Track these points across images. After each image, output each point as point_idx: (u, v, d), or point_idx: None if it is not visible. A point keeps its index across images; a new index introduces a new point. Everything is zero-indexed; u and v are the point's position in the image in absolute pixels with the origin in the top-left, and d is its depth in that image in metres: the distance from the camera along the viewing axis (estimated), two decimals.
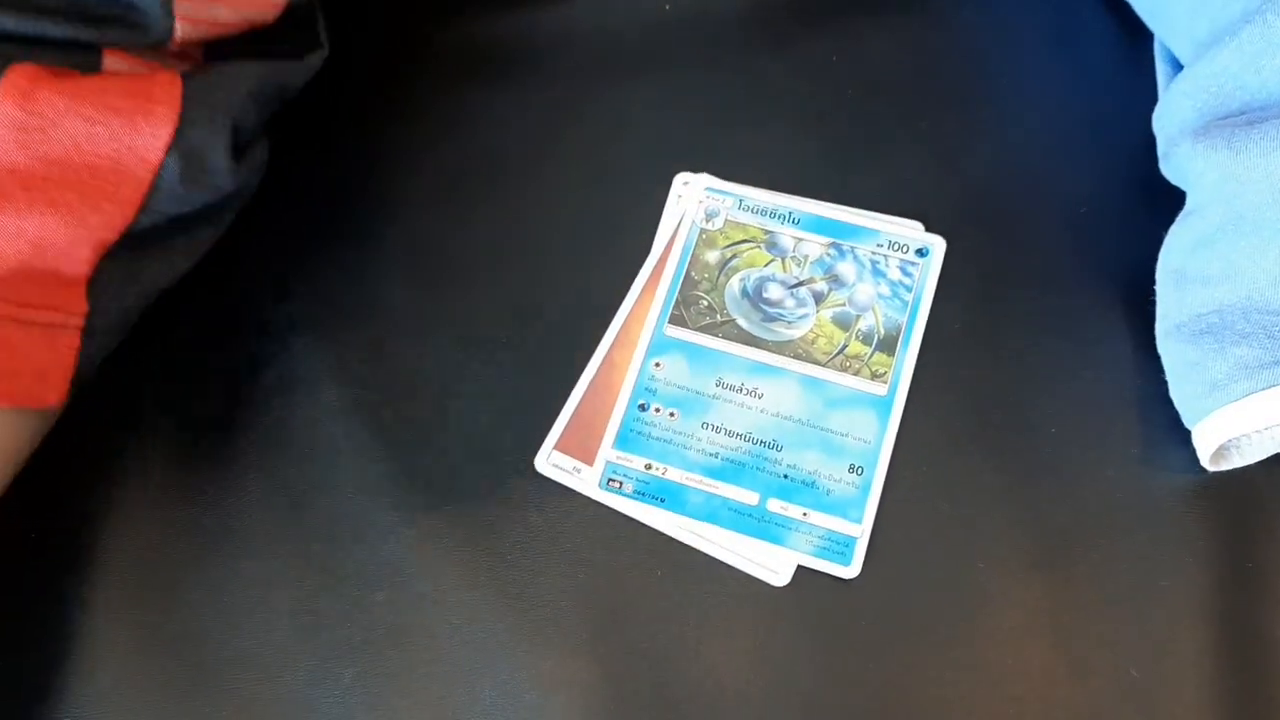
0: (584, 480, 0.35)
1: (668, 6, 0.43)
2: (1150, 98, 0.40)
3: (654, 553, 0.34)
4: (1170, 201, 0.37)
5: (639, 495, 0.35)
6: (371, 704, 0.32)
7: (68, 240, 0.31)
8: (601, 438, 0.35)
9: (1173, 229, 0.37)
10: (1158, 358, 0.37)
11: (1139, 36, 0.42)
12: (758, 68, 0.42)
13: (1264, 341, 0.33)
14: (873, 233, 0.39)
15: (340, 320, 0.37)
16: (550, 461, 0.35)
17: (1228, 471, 0.36)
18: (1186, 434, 0.36)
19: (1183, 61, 0.39)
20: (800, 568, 0.34)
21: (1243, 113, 0.35)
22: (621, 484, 0.35)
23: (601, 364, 0.36)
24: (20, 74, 0.30)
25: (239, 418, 0.36)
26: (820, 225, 0.39)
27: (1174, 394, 0.36)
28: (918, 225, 0.39)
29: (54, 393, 0.32)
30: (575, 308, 0.37)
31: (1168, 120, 0.37)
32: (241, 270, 0.37)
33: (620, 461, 0.35)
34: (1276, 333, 0.33)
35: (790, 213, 0.39)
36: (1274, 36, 0.33)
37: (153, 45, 0.34)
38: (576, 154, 0.40)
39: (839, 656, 0.34)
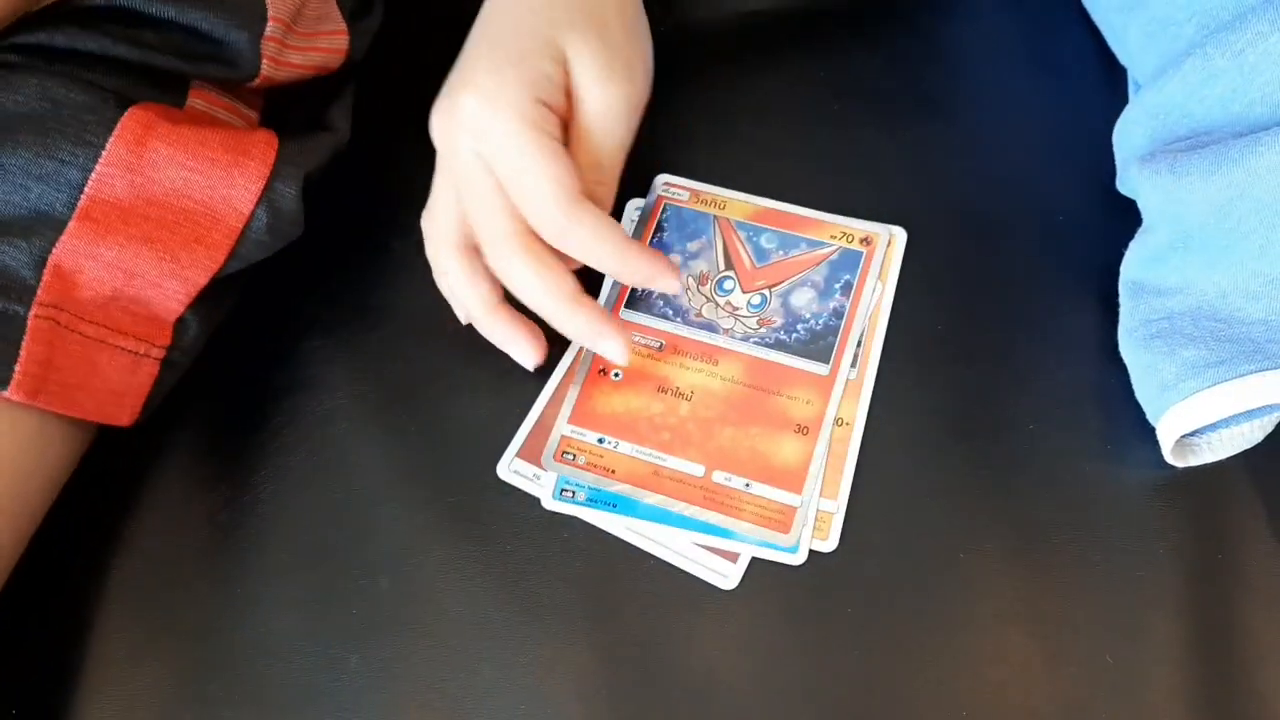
0: (540, 485, 0.38)
1: (662, 28, 0.45)
2: None
3: (637, 542, 0.37)
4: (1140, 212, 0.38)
5: (591, 502, 0.37)
6: (377, 686, 0.35)
7: (158, 274, 0.35)
8: (558, 413, 0.38)
9: (1131, 244, 0.39)
10: None
11: (1115, 56, 0.42)
12: (748, 82, 0.44)
13: (1210, 344, 0.35)
14: (813, 240, 0.40)
15: (351, 324, 0.41)
16: (512, 469, 0.38)
17: (1198, 466, 0.37)
18: (1154, 431, 0.37)
19: (1140, 86, 0.40)
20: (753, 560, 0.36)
21: (1187, 138, 0.36)
22: (574, 494, 0.37)
23: (566, 369, 0.39)
24: (137, 119, 0.34)
25: (251, 416, 0.40)
26: (762, 230, 0.41)
27: (1137, 394, 0.37)
28: (869, 227, 0.40)
29: (127, 414, 0.36)
30: None
31: (1122, 143, 0.40)
32: (258, 276, 0.40)
33: (574, 436, 0.38)
34: (1221, 336, 0.35)
35: (738, 220, 0.41)
36: (1213, 68, 0.35)
37: (238, 83, 0.38)
38: None
39: (816, 641, 0.35)
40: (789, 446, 0.37)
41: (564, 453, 0.37)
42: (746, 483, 0.36)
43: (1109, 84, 0.44)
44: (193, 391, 0.39)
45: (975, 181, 0.42)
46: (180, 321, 0.36)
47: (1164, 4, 0.38)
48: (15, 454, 0.34)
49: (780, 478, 0.37)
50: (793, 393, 0.38)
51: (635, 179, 0.41)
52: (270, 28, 0.37)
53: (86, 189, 0.34)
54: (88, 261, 0.34)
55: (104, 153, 0.34)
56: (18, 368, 0.32)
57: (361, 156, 0.42)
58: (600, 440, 0.37)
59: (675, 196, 0.41)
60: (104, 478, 0.39)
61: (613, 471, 0.37)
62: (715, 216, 0.41)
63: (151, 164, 0.34)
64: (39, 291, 0.33)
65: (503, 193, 0.35)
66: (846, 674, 0.35)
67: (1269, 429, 0.36)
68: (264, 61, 0.37)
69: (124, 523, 0.38)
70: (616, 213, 0.41)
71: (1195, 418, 0.35)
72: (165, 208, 0.35)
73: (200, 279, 0.36)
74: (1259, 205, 0.34)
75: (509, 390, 0.39)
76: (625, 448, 0.37)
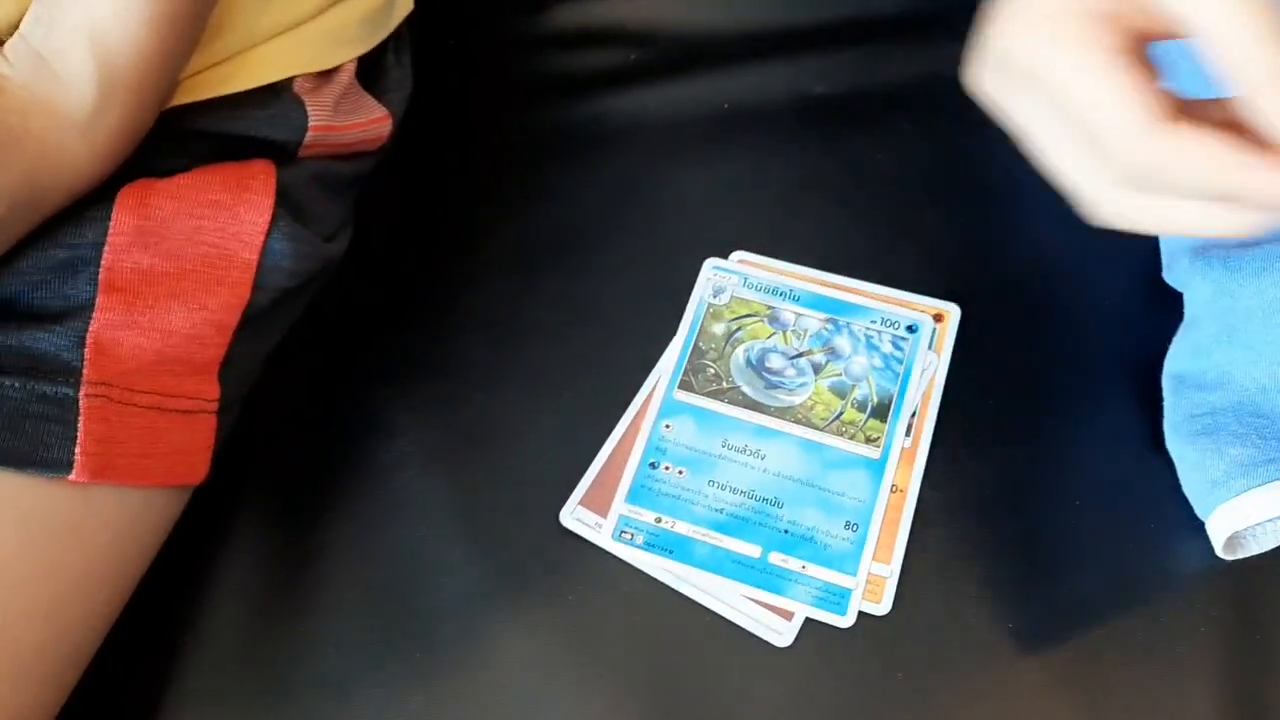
0: (600, 533, 0.38)
1: (726, 105, 0.48)
2: None
3: (694, 595, 0.37)
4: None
5: (649, 547, 0.38)
6: None
7: (190, 324, 0.35)
8: (615, 492, 0.39)
9: (1175, 338, 0.40)
10: None
11: None
12: (807, 160, 0.46)
13: (1256, 442, 0.36)
14: (867, 310, 0.42)
15: (419, 373, 0.42)
16: (575, 516, 0.39)
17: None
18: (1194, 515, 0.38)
19: None
20: (806, 620, 0.37)
21: None
22: (633, 536, 0.38)
23: (629, 426, 0.40)
24: (129, 193, 0.35)
25: (321, 460, 0.40)
26: (818, 302, 0.42)
27: (1185, 488, 0.38)
28: (923, 303, 0.42)
29: (198, 471, 0.36)
30: (620, 369, 0.41)
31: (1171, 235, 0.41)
32: (331, 329, 0.41)
33: (632, 515, 0.39)
34: (1267, 434, 0.36)
35: (791, 290, 0.42)
36: None
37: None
38: (634, 230, 0.44)
39: (868, 703, 0.36)
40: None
41: (622, 534, 0.38)
42: (803, 564, 0.37)
43: None
44: (264, 435, 0.40)
45: (1027, 265, 0.43)
46: (224, 368, 0.36)
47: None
48: (103, 537, 0.34)
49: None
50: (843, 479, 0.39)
51: (695, 246, 0.43)
52: (310, 136, 0.39)
53: (103, 262, 0.34)
54: (124, 331, 0.34)
55: (110, 224, 0.34)
56: (78, 450, 0.32)
57: (437, 218, 0.44)
58: (658, 520, 0.38)
59: (743, 271, 0.43)
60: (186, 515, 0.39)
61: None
62: (776, 291, 0.42)
63: (159, 221, 0.35)
64: (85, 370, 0.33)
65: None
66: None
67: None
68: (310, 133, 0.39)
69: (202, 556, 0.39)
70: (694, 269, 0.43)
71: (1246, 517, 0.36)
72: (183, 259, 0.35)
73: (231, 320, 0.36)
74: None
75: (573, 438, 0.40)
76: (682, 526, 0.38)
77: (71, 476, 0.32)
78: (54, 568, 0.33)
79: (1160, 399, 0.40)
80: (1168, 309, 0.41)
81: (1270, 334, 0.36)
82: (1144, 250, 0.43)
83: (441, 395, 0.41)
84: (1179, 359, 0.40)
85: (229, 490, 0.39)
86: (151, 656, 0.37)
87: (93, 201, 0.34)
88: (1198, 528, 0.38)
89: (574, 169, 0.46)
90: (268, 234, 0.36)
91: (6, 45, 0.33)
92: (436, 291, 0.43)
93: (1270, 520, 0.37)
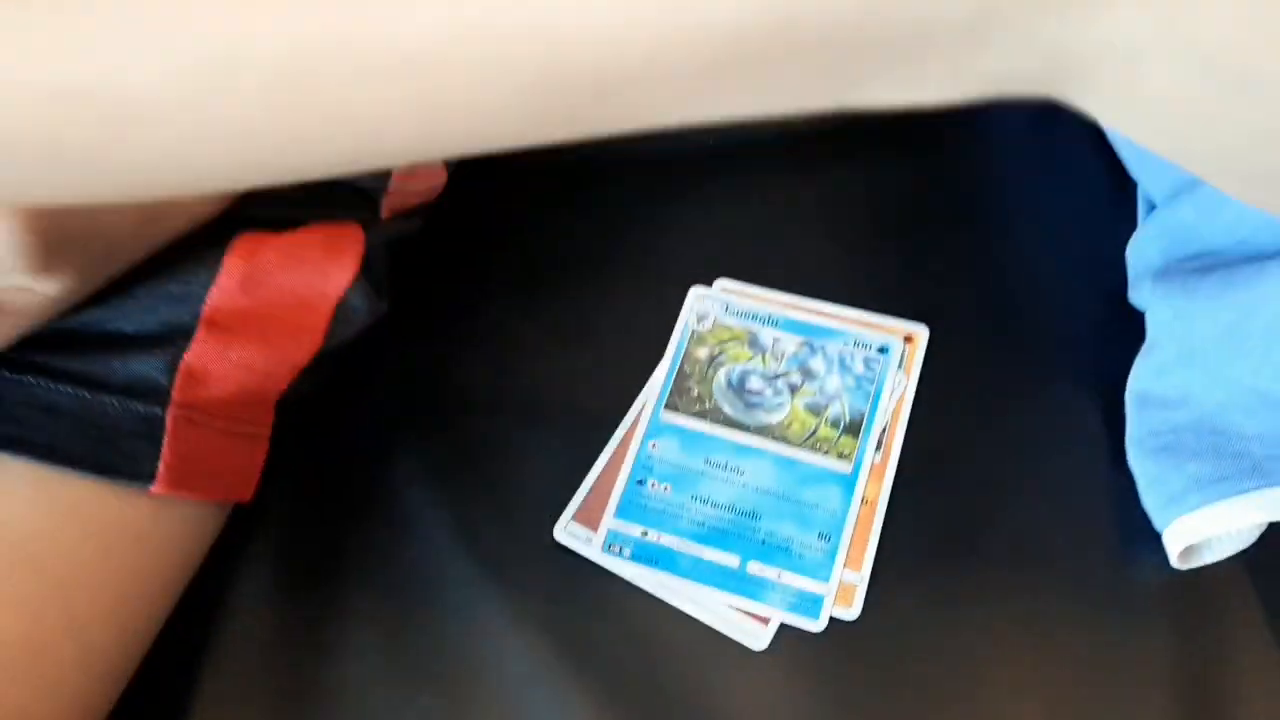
0: (591, 547, 0.41)
1: (711, 141, 0.50)
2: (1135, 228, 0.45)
3: (678, 603, 0.40)
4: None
5: (636, 558, 0.41)
6: None
7: (270, 363, 0.39)
8: (605, 508, 0.42)
9: (1139, 357, 0.42)
10: None
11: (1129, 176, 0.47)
12: (787, 192, 0.49)
13: (1213, 460, 0.38)
14: (841, 333, 0.44)
15: (423, 396, 0.45)
16: (568, 531, 0.42)
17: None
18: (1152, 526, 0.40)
19: (1156, 203, 0.44)
20: (781, 625, 0.39)
21: (1197, 257, 0.40)
22: (621, 549, 0.41)
23: (618, 445, 0.43)
24: (243, 243, 0.39)
25: (335, 478, 0.44)
26: (796, 326, 0.45)
27: (1144, 501, 0.41)
28: (895, 325, 0.45)
29: (249, 489, 0.40)
30: (610, 392, 0.44)
31: (1136, 258, 0.43)
32: (339, 353, 0.44)
33: (620, 529, 0.42)
34: (1223, 451, 0.38)
35: (770, 315, 0.45)
36: (1224, 195, 0.38)
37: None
38: (625, 260, 0.47)
39: (839, 703, 0.38)
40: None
41: (611, 547, 0.41)
42: (778, 573, 0.40)
43: (1125, 201, 0.48)
44: (282, 455, 0.43)
45: (994, 287, 0.46)
46: (281, 399, 0.41)
47: None
48: (168, 546, 0.38)
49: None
50: (817, 492, 0.41)
51: (681, 273, 0.46)
52: (393, 184, 0.43)
53: (208, 300, 0.38)
54: (214, 364, 0.38)
55: (220, 269, 0.38)
56: (161, 464, 0.36)
57: (431, 242, 0.47)
58: (644, 533, 0.41)
59: (725, 297, 0.46)
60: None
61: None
62: (757, 316, 0.45)
63: (264, 271, 0.39)
64: (173, 393, 0.37)
65: None
66: None
67: (1262, 529, 0.39)
68: (386, 200, 0.43)
69: (222, 572, 0.42)
70: (681, 296, 0.46)
71: (1200, 530, 0.38)
72: (276, 305, 0.39)
73: (303, 361, 0.40)
74: (1260, 328, 0.37)
75: (566, 457, 0.43)
76: (667, 538, 0.41)
77: (152, 489, 0.36)
78: (125, 573, 0.37)
79: (1122, 415, 0.42)
80: (1133, 328, 0.43)
81: (1226, 356, 0.38)
82: (1110, 271, 0.45)
83: (444, 417, 0.44)
84: (1142, 378, 0.42)
85: (253, 507, 0.43)
86: (176, 661, 0.41)
87: (209, 243, 0.38)
88: (1156, 538, 0.40)
89: (569, 203, 0.49)
90: (348, 289, 0.40)
91: None
92: (438, 318, 0.47)
93: (1223, 533, 0.39)
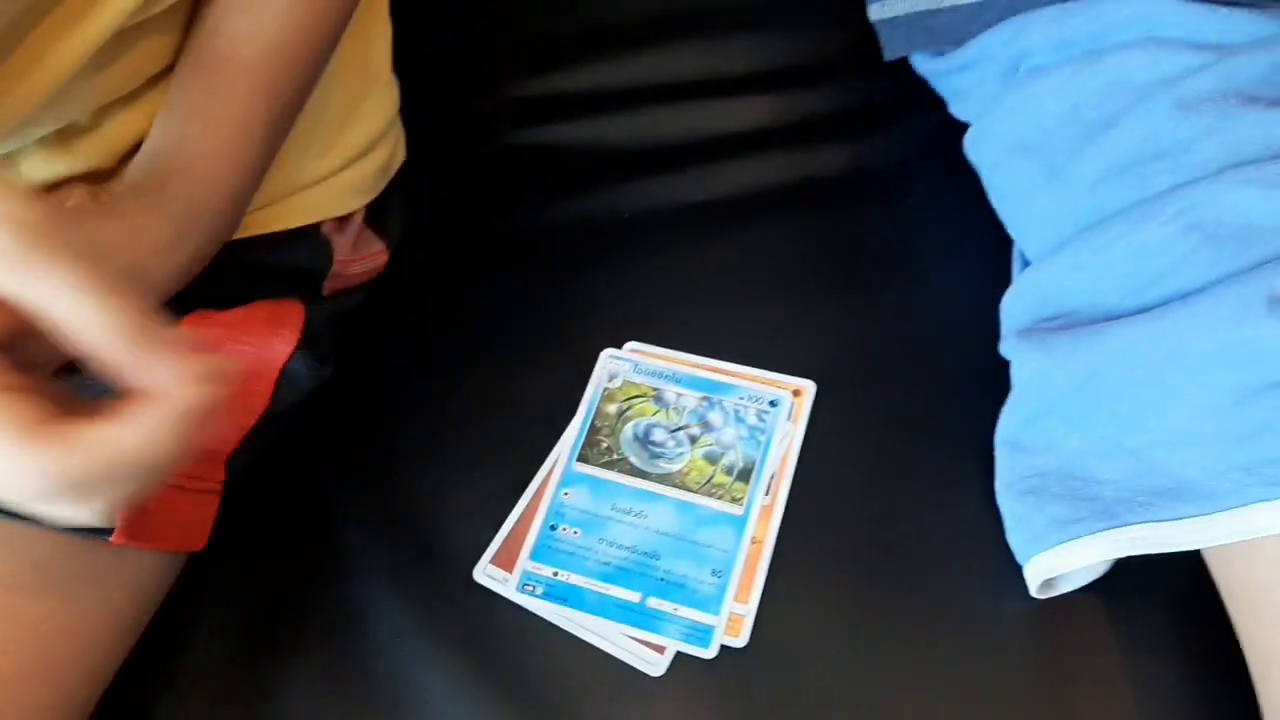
0: (507, 587, 0.46)
1: (627, 215, 0.56)
2: None
3: (583, 635, 0.44)
4: None
5: (547, 596, 0.45)
6: None
7: (223, 428, 0.43)
8: (520, 551, 0.46)
9: (1006, 406, 0.46)
10: None
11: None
12: (691, 261, 0.54)
13: (1071, 503, 0.42)
14: (736, 388, 0.49)
15: (357, 454, 0.50)
16: (486, 573, 0.46)
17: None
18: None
19: (1029, 261, 0.48)
20: (678, 653, 0.44)
21: (1056, 317, 0.44)
22: (534, 588, 0.46)
23: (534, 494, 0.48)
24: (192, 319, 0.43)
25: (281, 528, 0.48)
26: (696, 383, 0.50)
27: (1009, 538, 0.45)
28: (785, 381, 0.49)
29: (200, 540, 0.44)
30: (528, 446, 0.49)
31: (1007, 315, 0.48)
32: (287, 416, 0.49)
33: (534, 570, 0.46)
34: (1080, 495, 0.42)
35: (674, 373, 0.50)
36: (1080, 260, 0.43)
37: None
38: (544, 327, 0.53)
39: None
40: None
41: (525, 586, 0.46)
42: (675, 607, 0.44)
43: (1004, 263, 0.53)
44: (233, 506, 0.48)
45: (877, 343, 0.50)
46: (231, 458, 0.45)
47: (1050, 201, 0.46)
48: (123, 593, 0.42)
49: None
50: (711, 533, 0.46)
51: (605, 341, 0.51)
52: (335, 268, 0.48)
53: None
54: None
55: None
56: (119, 518, 0.40)
57: (366, 316, 0.52)
58: (555, 574, 0.46)
59: (634, 358, 0.51)
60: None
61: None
62: (661, 374, 0.50)
63: (212, 344, 0.43)
64: None
65: None
66: None
67: (1110, 563, 0.43)
68: (327, 284, 0.48)
69: (179, 612, 0.47)
70: (594, 359, 0.50)
71: (1057, 566, 0.42)
72: None
73: (250, 423, 0.45)
74: (1107, 382, 0.41)
75: (486, 506, 0.48)
76: (575, 578, 0.45)
77: (112, 539, 0.40)
78: (92, 617, 0.41)
79: (993, 460, 0.46)
80: (1005, 378, 0.48)
81: (1081, 408, 0.42)
82: (989, 323, 0.50)
83: (377, 472, 0.49)
84: (1010, 425, 0.46)
85: (205, 554, 0.47)
86: (131, 694, 0.45)
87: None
88: (1019, 571, 0.44)
89: (493, 275, 0.54)
90: (289, 359, 0.44)
91: (131, 165, 0.39)
92: (378, 384, 0.52)
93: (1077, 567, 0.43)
